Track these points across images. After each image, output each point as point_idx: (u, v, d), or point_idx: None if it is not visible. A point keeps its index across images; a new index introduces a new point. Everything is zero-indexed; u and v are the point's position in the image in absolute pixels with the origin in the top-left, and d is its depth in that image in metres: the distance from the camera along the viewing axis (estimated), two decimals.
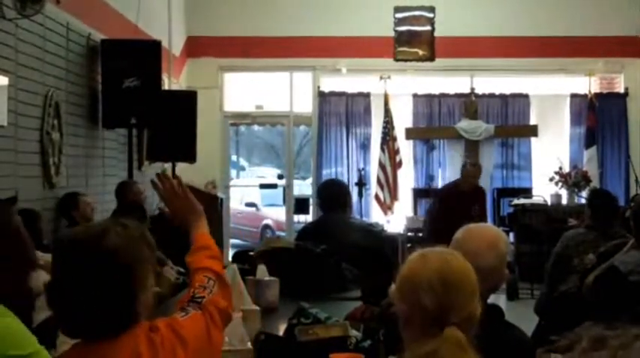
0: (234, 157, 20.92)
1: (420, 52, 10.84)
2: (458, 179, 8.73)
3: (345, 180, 10.32)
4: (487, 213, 8.92)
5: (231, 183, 13.03)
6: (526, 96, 11.03)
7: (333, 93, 10.99)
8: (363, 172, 10.54)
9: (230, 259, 8.94)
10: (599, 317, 4.05)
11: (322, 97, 10.96)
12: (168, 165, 8.68)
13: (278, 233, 14.74)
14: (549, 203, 9.71)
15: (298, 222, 11.22)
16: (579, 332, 1.18)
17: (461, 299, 1.97)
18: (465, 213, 7.90)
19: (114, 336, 1.78)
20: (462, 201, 8.13)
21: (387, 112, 10.55)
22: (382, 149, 10.49)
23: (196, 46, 10.73)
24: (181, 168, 8.75)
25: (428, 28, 10.82)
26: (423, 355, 1.87)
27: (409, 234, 9.27)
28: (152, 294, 1.87)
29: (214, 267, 2.12)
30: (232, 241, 12.93)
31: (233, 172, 19.12)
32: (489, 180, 10.66)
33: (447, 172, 10.72)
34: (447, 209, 8.08)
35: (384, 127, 10.52)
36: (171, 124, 7.50)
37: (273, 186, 13.12)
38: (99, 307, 1.75)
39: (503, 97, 11.01)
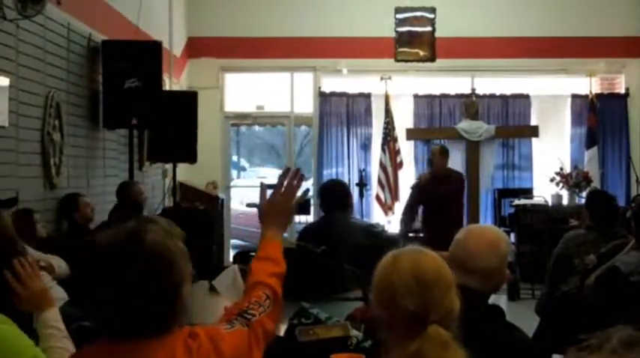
0: (234, 158, 20.94)
1: (421, 53, 10.84)
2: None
3: (346, 181, 10.31)
4: (463, 201, 8.96)
5: (232, 183, 13.04)
6: (527, 96, 11.03)
7: (333, 94, 10.99)
8: (363, 173, 10.53)
9: (231, 259, 8.96)
10: (603, 318, 4.05)
11: (323, 98, 10.96)
12: (169, 166, 8.69)
13: None
14: (550, 203, 9.71)
15: (299, 223, 11.21)
16: (609, 333, 1.18)
17: (438, 296, 1.98)
18: (438, 197, 8.16)
19: (153, 337, 1.75)
20: (436, 185, 8.29)
21: (388, 113, 10.55)
22: (383, 149, 10.49)
23: (197, 47, 10.73)
24: (182, 168, 8.75)
25: (429, 28, 10.82)
26: (407, 356, 1.88)
27: (410, 234, 9.26)
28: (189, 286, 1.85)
29: (275, 285, 2.09)
30: (233, 241, 12.93)
31: (234, 173, 19.14)
32: (490, 180, 10.66)
33: None
34: (421, 194, 8.36)
35: (385, 128, 10.52)
36: (172, 125, 7.50)
37: (274, 186, 13.10)
38: (144, 307, 1.73)
39: (503, 98, 11.01)
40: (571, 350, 1.26)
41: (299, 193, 2.34)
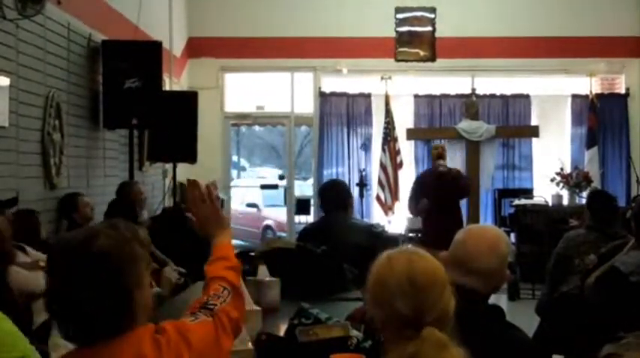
0: (235, 158, 20.94)
1: (421, 53, 10.84)
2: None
3: (346, 181, 10.31)
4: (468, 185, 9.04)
5: (232, 183, 13.04)
6: (527, 96, 11.03)
7: (334, 94, 10.99)
8: (364, 173, 10.53)
9: None
10: (604, 318, 4.05)
11: (323, 98, 10.96)
12: (169, 166, 8.69)
13: (279, 233, 14.75)
14: (550, 203, 9.71)
15: (299, 223, 11.22)
16: None
17: (432, 298, 1.98)
18: (441, 194, 8.26)
19: (114, 338, 1.78)
20: (438, 183, 8.39)
21: (388, 113, 10.55)
22: (383, 149, 10.49)
23: (197, 47, 10.73)
24: (182, 168, 8.75)
25: (429, 28, 10.82)
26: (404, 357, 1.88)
27: (410, 234, 9.26)
28: (151, 293, 1.88)
29: (230, 277, 2.14)
30: (233, 242, 12.88)
31: (234, 173, 19.13)
32: (490, 180, 10.66)
33: None
34: (423, 190, 8.42)
35: (385, 128, 10.52)
36: (172, 125, 7.51)
37: (274, 186, 13.11)
38: (95, 310, 1.76)
39: (504, 98, 11.01)
40: (609, 346, 1.25)
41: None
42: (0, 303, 2.38)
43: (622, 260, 4.32)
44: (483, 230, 2.83)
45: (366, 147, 10.98)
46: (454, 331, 1.97)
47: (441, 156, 8.66)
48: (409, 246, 2.20)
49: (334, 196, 5.50)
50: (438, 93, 11.00)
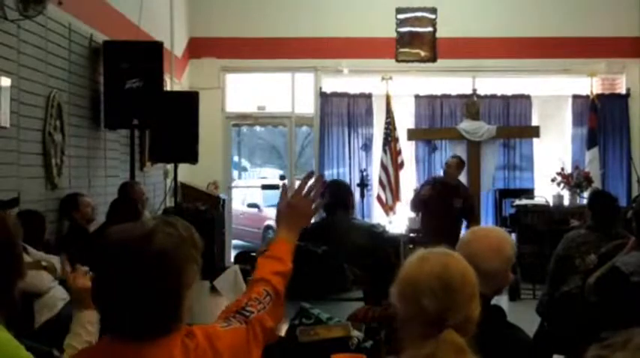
0: (236, 158, 20.95)
1: (422, 53, 10.84)
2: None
3: (347, 181, 10.32)
4: (477, 211, 9.10)
5: (233, 183, 13.05)
6: (528, 97, 11.03)
7: (335, 94, 10.99)
8: (365, 173, 10.53)
9: (232, 260, 8.96)
10: (604, 318, 4.05)
11: (324, 98, 10.96)
12: (170, 166, 8.69)
13: None
14: (551, 204, 9.71)
15: None
16: (632, 332, 1.18)
17: (459, 302, 1.98)
18: (445, 205, 8.25)
19: (156, 338, 1.75)
20: (443, 193, 8.42)
21: (389, 113, 10.55)
22: (384, 150, 10.49)
23: (198, 47, 10.74)
24: (183, 168, 8.76)
25: (430, 29, 10.82)
26: (421, 357, 1.88)
27: (411, 234, 9.26)
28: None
29: (277, 283, 2.08)
30: (234, 242, 12.93)
31: (235, 173, 19.14)
32: (491, 181, 10.67)
33: None
34: (428, 200, 8.42)
35: (386, 128, 10.52)
36: (173, 125, 7.51)
37: (275, 186, 13.10)
38: (147, 308, 1.73)
39: (505, 98, 11.01)
40: (594, 347, 1.26)
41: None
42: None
43: (623, 260, 4.32)
44: (489, 232, 2.84)
45: (367, 147, 10.99)
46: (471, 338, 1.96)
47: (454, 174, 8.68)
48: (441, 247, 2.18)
49: (336, 196, 5.51)
50: (438, 93, 11.00)
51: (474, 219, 8.58)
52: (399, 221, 10.07)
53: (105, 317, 1.82)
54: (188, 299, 1.79)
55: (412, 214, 9.28)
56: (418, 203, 8.65)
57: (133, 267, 1.73)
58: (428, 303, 1.97)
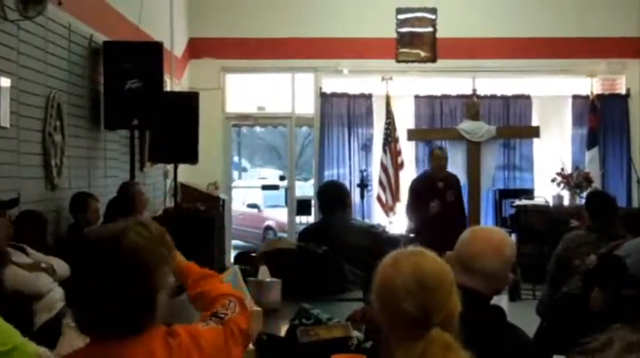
0: (236, 158, 20.96)
1: (422, 54, 10.84)
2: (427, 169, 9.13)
3: (347, 182, 10.33)
4: (464, 203, 9.17)
5: (233, 184, 13.05)
6: (528, 97, 11.03)
7: (335, 95, 10.99)
8: (365, 173, 10.53)
9: (232, 260, 8.95)
10: (604, 319, 4.06)
11: (324, 98, 10.97)
12: (170, 167, 8.69)
13: (280, 234, 14.75)
14: (551, 204, 9.71)
15: (300, 223, 11.22)
16: (610, 335, 1.18)
17: (439, 299, 1.98)
18: (439, 198, 8.30)
19: (131, 336, 1.78)
20: (434, 186, 8.44)
21: (389, 113, 10.56)
22: (384, 150, 10.49)
23: (198, 48, 10.74)
24: (183, 169, 8.76)
25: (430, 29, 10.82)
26: None
27: (411, 235, 9.26)
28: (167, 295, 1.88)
29: (233, 292, 2.18)
30: (234, 242, 12.93)
31: (235, 173, 19.14)
32: (491, 181, 10.67)
33: None
34: (420, 196, 8.44)
35: (386, 128, 10.52)
36: (173, 125, 7.50)
37: (275, 187, 13.13)
38: (118, 306, 1.76)
39: (505, 98, 11.01)
40: (573, 353, 1.26)
41: None
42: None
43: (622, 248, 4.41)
44: (489, 232, 2.84)
45: (367, 147, 10.99)
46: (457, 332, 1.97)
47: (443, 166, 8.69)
48: (413, 246, 2.18)
49: (333, 197, 5.51)
50: (438, 93, 11.00)
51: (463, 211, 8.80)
52: (399, 221, 10.07)
53: (79, 316, 1.83)
54: (161, 298, 1.82)
55: None
56: (423, 219, 8.54)
57: (104, 265, 1.76)
58: (407, 306, 1.97)
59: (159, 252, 1.84)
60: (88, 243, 1.85)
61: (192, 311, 2.34)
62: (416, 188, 8.75)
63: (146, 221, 1.91)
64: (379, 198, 10.46)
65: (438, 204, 8.34)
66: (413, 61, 10.83)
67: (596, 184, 10.12)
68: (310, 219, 10.88)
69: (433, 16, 10.78)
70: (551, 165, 10.47)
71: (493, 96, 10.99)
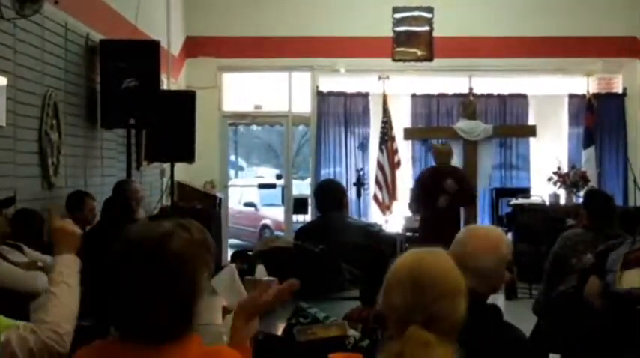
0: (232, 157, 20.94)
1: (419, 53, 10.84)
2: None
3: (344, 180, 10.33)
4: (475, 192, 9.30)
5: (230, 183, 13.03)
6: (524, 96, 11.04)
7: (331, 93, 11.00)
8: (361, 172, 10.54)
9: (229, 259, 8.95)
10: (601, 318, 4.07)
11: (321, 97, 10.97)
12: (166, 165, 8.68)
13: (277, 233, 14.74)
14: (547, 203, 9.72)
15: (297, 222, 11.22)
16: None
17: (427, 299, 1.97)
18: (439, 188, 8.36)
19: (167, 342, 1.74)
20: (438, 179, 8.49)
21: (386, 112, 10.56)
22: (381, 149, 10.50)
23: (195, 46, 10.73)
24: (180, 168, 8.75)
25: (426, 28, 10.83)
26: (393, 355, 1.88)
27: (408, 234, 9.27)
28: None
29: None
30: (231, 241, 12.94)
31: (232, 172, 19.13)
32: (488, 180, 10.68)
33: None
34: (424, 187, 8.52)
35: (383, 127, 10.53)
36: (170, 124, 7.49)
37: (272, 186, 13.14)
38: (158, 311, 1.72)
39: (501, 97, 11.03)
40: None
41: None
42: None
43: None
44: (485, 230, 2.85)
45: (364, 146, 10.99)
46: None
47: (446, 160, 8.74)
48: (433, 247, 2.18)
49: (330, 196, 5.51)
50: (435, 92, 11.01)
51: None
52: (395, 220, 10.08)
53: (115, 316, 1.79)
54: (199, 306, 1.78)
55: (409, 213, 9.29)
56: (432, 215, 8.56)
57: (148, 268, 1.72)
58: (395, 297, 1.98)
59: (202, 257, 1.79)
60: (130, 243, 1.77)
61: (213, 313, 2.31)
62: (424, 182, 8.83)
63: (188, 222, 1.83)
64: (376, 197, 10.46)
65: (447, 199, 8.37)
66: (410, 60, 10.84)
67: (593, 183, 10.13)
68: (307, 217, 10.87)
69: (430, 15, 10.79)
70: (547, 164, 10.48)
71: (490, 95, 11.00)
